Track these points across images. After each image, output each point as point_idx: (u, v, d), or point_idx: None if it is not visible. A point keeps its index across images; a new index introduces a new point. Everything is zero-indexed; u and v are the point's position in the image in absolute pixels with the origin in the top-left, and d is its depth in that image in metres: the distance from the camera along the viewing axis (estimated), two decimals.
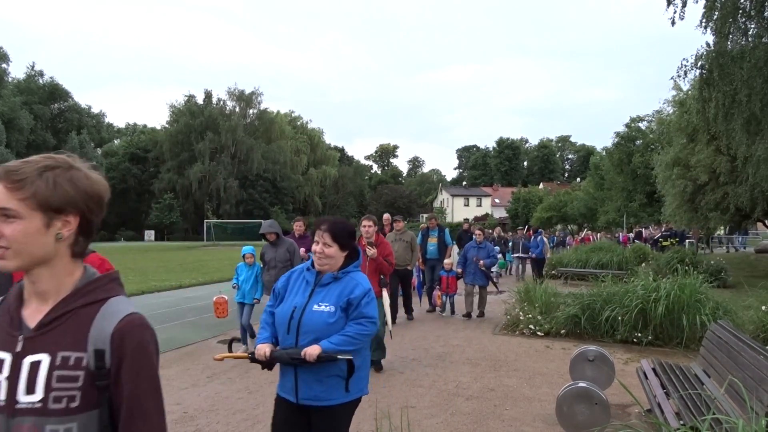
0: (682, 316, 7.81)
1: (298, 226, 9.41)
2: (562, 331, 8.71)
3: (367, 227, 6.65)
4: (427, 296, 11.94)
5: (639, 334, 8.04)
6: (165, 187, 71.48)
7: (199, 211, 69.98)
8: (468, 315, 10.63)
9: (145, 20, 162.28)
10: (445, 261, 11.16)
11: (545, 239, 17.31)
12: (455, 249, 12.90)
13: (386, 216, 11.34)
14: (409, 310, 10.54)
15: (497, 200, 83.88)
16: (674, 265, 13.47)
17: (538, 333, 8.85)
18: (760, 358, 3.85)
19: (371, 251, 6.37)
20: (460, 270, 10.96)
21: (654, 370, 5.02)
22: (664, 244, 22.57)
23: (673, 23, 13.21)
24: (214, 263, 25.67)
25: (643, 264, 17.26)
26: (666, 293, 7.97)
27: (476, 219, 68.26)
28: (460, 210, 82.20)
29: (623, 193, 35.15)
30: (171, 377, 6.52)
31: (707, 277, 10.03)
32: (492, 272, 16.65)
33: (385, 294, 6.20)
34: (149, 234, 67.71)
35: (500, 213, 73.46)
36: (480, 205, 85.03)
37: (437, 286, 11.32)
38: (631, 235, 30.98)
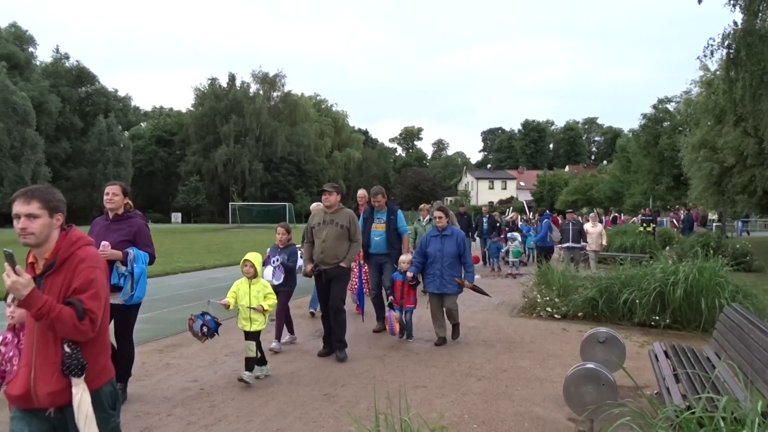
0: (701, 300, 7.74)
1: (112, 194, 5.06)
2: (580, 314, 8.70)
3: (24, 218, 2.58)
4: (374, 307, 8.28)
5: (657, 318, 8.00)
6: (191, 170, 72.49)
7: (225, 194, 70.80)
8: (442, 340, 7.30)
9: (167, 3, 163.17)
10: (402, 259, 7.66)
11: (552, 224, 14.61)
12: (454, 240, 7.72)
13: (361, 192, 8.81)
14: (337, 341, 6.61)
15: (522, 183, 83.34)
16: (697, 249, 13.30)
17: (556, 315, 8.86)
18: None
19: (11, 279, 2.39)
20: (411, 275, 7.33)
21: (665, 352, 5.01)
22: (640, 229, 21.97)
23: (699, 1, 12.93)
24: (237, 245, 26.00)
25: (667, 248, 17.06)
26: (684, 276, 7.90)
27: (501, 202, 67.89)
28: (484, 193, 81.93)
29: (650, 176, 34.61)
30: (190, 355, 6.68)
31: (730, 261, 9.91)
32: (511, 261, 16.03)
33: (80, 390, 2.53)
34: (176, 216, 68.84)
35: (525, 196, 72.94)
36: (505, 188, 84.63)
37: (389, 298, 7.69)
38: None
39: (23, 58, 59.53)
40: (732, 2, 12.92)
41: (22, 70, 58.50)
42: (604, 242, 14.71)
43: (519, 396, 5.26)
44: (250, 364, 5.57)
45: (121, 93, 79.75)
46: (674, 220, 28.20)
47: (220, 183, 72.72)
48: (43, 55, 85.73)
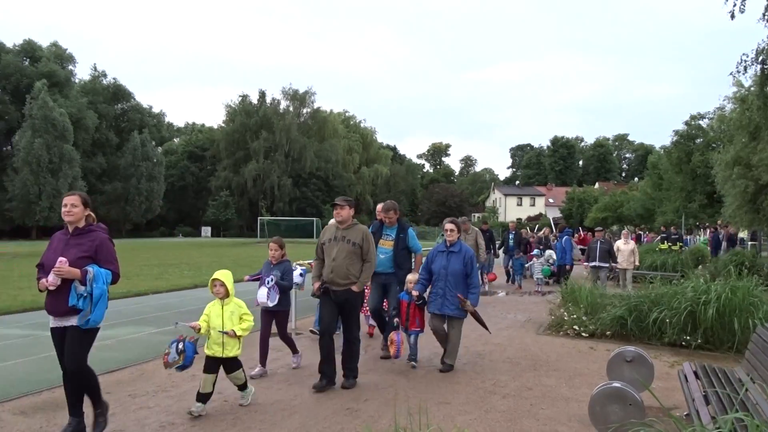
0: (733, 320, 7.57)
1: (70, 205, 4.51)
2: (608, 333, 8.54)
3: None
4: (376, 323, 7.91)
5: (688, 338, 7.82)
6: (221, 185, 73.44)
7: (254, 209, 71.60)
8: (448, 366, 6.71)
9: (198, 22, 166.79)
10: (408, 278, 7.08)
11: (573, 242, 13.99)
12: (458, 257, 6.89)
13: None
14: (348, 369, 6.10)
15: (551, 200, 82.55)
16: (730, 268, 12.99)
17: (583, 334, 8.71)
18: None
19: None
20: (416, 293, 6.76)
21: (695, 373, 4.89)
22: (663, 246, 21.32)
23: (732, 17, 12.68)
24: (265, 259, 26.15)
25: (700, 266, 16.70)
26: (716, 296, 7.73)
27: (529, 219, 67.27)
28: (513, 209, 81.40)
29: (682, 194, 33.98)
30: None
31: (765, 280, 9.65)
32: (537, 279, 15.69)
33: None
34: (206, 230, 69.78)
35: (554, 213, 72.21)
36: (533, 205, 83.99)
37: (395, 319, 6.96)
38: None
39: (63, 76, 61.33)
40: (766, 18, 12.69)
41: (62, 88, 60.27)
42: (637, 261, 13.93)
43: (544, 415, 5.18)
44: (242, 387, 5.39)
45: (156, 109, 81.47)
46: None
47: (250, 198, 73.51)
48: (81, 72, 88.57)
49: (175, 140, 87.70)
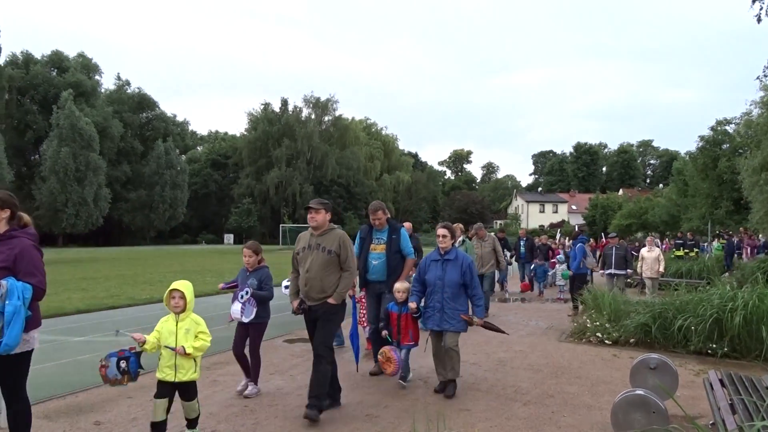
0: (761, 328, 7.41)
1: None
2: (632, 340, 8.43)
3: None
4: (371, 345, 7.21)
5: (714, 346, 7.68)
6: (244, 192, 74.15)
7: (276, 216, 72.08)
8: (449, 387, 5.97)
9: (223, 32, 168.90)
10: (397, 287, 6.34)
11: (586, 248, 12.78)
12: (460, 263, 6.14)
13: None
14: (313, 396, 5.18)
15: (574, 207, 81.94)
16: (757, 275, 12.72)
17: (606, 341, 8.60)
18: None
19: None
20: (413, 305, 6.08)
21: (721, 381, 4.79)
22: (678, 253, 20.77)
23: (759, 20, 12.54)
24: (287, 266, 26.23)
25: (726, 273, 16.41)
26: (743, 303, 7.57)
27: (552, 226, 66.70)
28: (535, 216, 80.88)
29: (708, 200, 33.43)
30: (236, 373, 6.75)
31: None
32: (560, 285, 15.32)
33: None
34: (228, 237, 70.38)
35: (577, 220, 71.60)
36: (556, 212, 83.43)
37: (383, 332, 6.40)
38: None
39: (89, 86, 62.51)
40: None
41: (88, 97, 61.45)
42: (662, 269, 13.26)
43: (566, 422, 5.12)
44: (192, 424, 4.58)
45: (179, 118, 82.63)
46: (749, 248, 26.55)
47: (272, 205, 74.04)
48: (107, 82, 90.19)
49: (199, 148, 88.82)
